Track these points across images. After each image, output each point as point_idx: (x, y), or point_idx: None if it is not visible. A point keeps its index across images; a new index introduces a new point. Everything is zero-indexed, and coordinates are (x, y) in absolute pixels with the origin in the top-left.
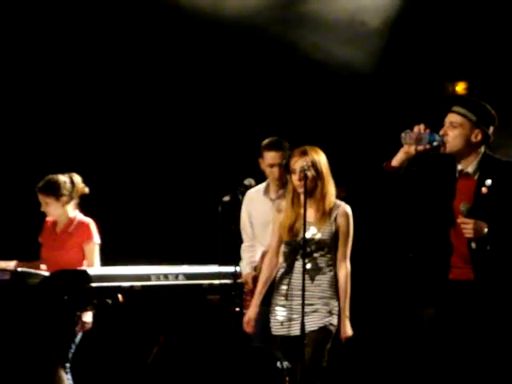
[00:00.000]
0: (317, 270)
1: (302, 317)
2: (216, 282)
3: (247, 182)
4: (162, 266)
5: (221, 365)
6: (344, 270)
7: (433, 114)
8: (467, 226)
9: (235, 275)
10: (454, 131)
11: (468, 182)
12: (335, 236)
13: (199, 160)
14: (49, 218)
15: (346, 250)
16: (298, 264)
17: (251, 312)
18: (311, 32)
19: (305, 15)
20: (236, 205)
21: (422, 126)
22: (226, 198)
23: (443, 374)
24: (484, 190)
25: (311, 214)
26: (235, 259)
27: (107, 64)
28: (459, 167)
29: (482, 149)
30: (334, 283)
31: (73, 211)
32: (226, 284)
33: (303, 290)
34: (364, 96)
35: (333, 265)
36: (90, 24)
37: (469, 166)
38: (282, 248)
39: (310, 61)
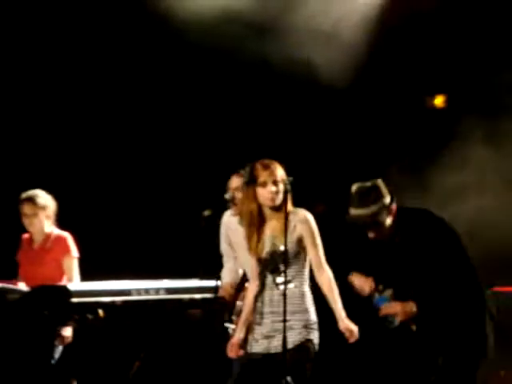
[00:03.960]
0: (287, 283)
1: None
2: (197, 296)
3: (228, 196)
4: (142, 281)
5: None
6: (324, 276)
7: (413, 128)
8: (396, 311)
9: (216, 289)
10: (376, 230)
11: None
12: (298, 245)
13: (180, 175)
14: (25, 235)
15: (317, 256)
16: (268, 280)
17: (235, 337)
18: (287, 45)
19: (280, 27)
20: (217, 219)
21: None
22: (207, 213)
23: None
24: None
25: (271, 227)
26: (216, 273)
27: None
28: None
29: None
30: (306, 295)
31: (49, 226)
32: (207, 298)
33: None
34: (343, 110)
35: (301, 276)
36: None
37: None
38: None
39: (286, 74)
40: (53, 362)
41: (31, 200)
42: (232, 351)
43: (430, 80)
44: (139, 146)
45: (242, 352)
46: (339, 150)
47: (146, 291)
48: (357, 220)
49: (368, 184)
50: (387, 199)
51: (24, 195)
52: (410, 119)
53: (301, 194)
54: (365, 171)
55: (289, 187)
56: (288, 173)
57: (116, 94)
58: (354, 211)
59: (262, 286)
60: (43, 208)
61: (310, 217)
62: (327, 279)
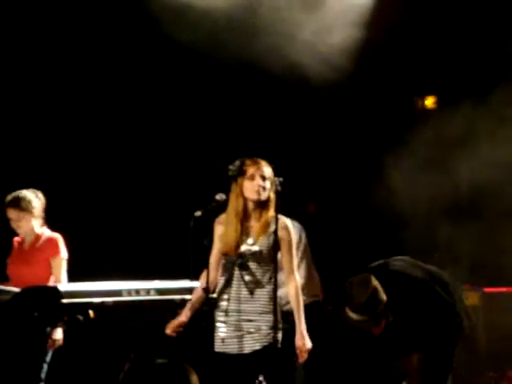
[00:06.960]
0: (256, 283)
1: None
2: (188, 296)
3: (219, 197)
4: (133, 282)
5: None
6: (293, 282)
7: (402, 129)
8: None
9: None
10: (375, 329)
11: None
12: (274, 249)
13: (170, 175)
14: (17, 238)
15: (291, 263)
16: (235, 276)
17: (179, 318)
18: (280, 46)
19: (269, 28)
20: (208, 220)
21: None
22: (198, 213)
23: None
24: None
25: (251, 225)
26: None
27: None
28: None
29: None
30: (274, 297)
31: (39, 227)
32: None
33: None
34: (334, 110)
35: (272, 278)
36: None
37: None
38: (222, 260)
39: (279, 76)
40: (45, 366)
41: (15, 204)
42: (169, 328)
43: (421, 81)
44: (128, 146)
45: (175, 333)
46: (329, 151)
47: (137, 292)
48: (356, 324)
49: (366, 289)
50: (384, 300)
51: (8, 199)
52: (399, 120)
53: (291, 194)
54: (355, 171)
55: (279, 188)
56: (278, 173)
57: (106, 97)
58: (355, 316)
59: (228, 283)
60: (28, 210)
61: (291, 225)
62: (294, 287)
